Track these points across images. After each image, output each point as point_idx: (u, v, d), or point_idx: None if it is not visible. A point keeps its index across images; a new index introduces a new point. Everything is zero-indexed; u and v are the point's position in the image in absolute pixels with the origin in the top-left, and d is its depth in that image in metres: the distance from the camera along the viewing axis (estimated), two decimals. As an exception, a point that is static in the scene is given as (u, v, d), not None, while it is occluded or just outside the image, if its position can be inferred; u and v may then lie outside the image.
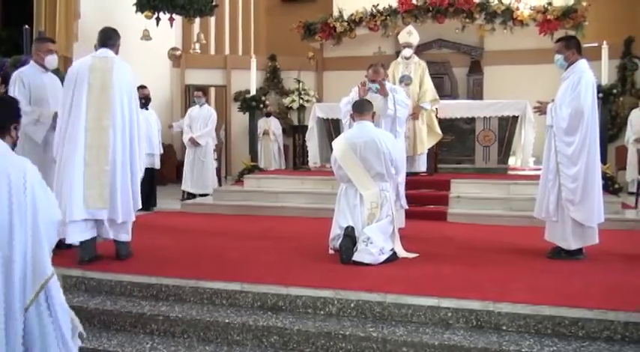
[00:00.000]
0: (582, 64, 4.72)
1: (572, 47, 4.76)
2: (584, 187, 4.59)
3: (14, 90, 4.85)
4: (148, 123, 7.88)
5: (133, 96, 4.64)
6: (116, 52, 4.68)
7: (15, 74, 4.98)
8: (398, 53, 8.62)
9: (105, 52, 4.62)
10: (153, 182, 8.02)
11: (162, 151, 8.52)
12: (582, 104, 4.57)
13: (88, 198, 4.40)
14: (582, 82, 4.60)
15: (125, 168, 4.57)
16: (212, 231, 6.08)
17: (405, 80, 7.61)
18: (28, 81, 4.88)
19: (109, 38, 4.68)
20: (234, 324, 3.66)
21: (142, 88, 8.08)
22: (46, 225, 2.41)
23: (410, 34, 7.80)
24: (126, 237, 4.69)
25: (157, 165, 8.17)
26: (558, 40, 4.94)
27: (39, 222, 2.37)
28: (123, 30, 9.65)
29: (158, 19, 9.55)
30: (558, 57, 4.78)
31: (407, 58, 7.78)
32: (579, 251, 4.75)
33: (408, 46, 7.76)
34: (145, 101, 7.96)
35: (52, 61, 5.06)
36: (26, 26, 7.75)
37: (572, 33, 10.17)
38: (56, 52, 5.24)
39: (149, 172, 7.84)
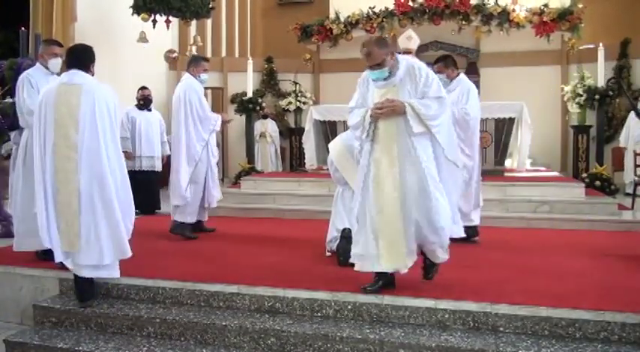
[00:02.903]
0: (465, 77, 5.50)
1: (450, 65, 5.45)
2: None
3: (23, 91, 4.84)
4: (148, 124, 7.85)
5: (188, 108, 5.79)
6: (198, 73, 5.92)
7: (22, 76, 4.98)
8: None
9: (185, 74, 6.07)
10: (154, 185, 7.94)
11: (168, 153, 7.45)
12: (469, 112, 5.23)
13: None
14: (472, 95, 5.30)
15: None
16: (209, 234, 6.07)
17: None
18: (35, 82, 4.87)
19: (188, 63, 6.08)
20: (231, 327, 3.66)
21: (142, 88, 8.06)
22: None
23: (410, 39, 7.73)
24: (192, 218, 5.90)
25: (158, 168, 7.93)
26: (435, 62, 5.47)
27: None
28: (119, 32, 9.63)
29: (154, 22, 9.53)
30: (441, 76, 5.18)
31: None
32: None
33: (409, 52, 7.70)
34: (144, 102, 7.92)
35: (55, 64, 5.03)
36: (23, 28, 7.72)
37: (568, 35, 10.24)
38: (61, 56, 5.22)
39: (150, 175, 7.83)
